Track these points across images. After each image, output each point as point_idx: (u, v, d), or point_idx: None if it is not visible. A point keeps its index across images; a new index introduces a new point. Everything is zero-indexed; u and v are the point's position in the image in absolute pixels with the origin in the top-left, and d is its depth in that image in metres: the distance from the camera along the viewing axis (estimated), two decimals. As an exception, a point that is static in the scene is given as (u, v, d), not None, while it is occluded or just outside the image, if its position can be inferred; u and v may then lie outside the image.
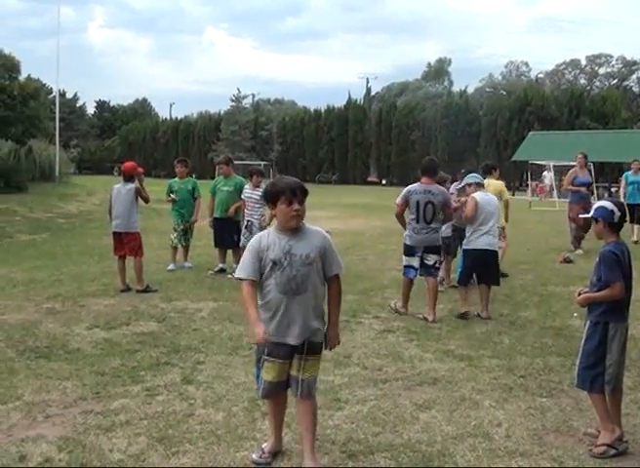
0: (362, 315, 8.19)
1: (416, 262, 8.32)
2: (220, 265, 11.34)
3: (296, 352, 4.06)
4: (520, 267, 12.05)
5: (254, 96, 78.76)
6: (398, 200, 8.44)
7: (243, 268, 4.04)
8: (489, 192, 9.34)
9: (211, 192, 11.53)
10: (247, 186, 11.01)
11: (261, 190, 10.80)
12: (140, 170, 10.41)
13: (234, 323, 7.73)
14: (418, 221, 8.25)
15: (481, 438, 4.64)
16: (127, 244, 9.76)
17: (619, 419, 4.64)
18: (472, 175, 9.15)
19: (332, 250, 4.09)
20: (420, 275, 8.42)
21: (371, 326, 7.75)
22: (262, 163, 48.42)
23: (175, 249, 11.81)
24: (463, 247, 8.79)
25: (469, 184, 8.83)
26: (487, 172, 11.55)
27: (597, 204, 4.81)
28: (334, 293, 4.14)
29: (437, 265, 8.43)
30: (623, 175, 16.75)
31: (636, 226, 15.80)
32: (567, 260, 12.79)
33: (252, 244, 4.08)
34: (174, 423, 4.82)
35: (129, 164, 10.32)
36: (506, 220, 11.22)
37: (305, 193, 4.00)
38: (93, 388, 5.54)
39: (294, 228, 3.99)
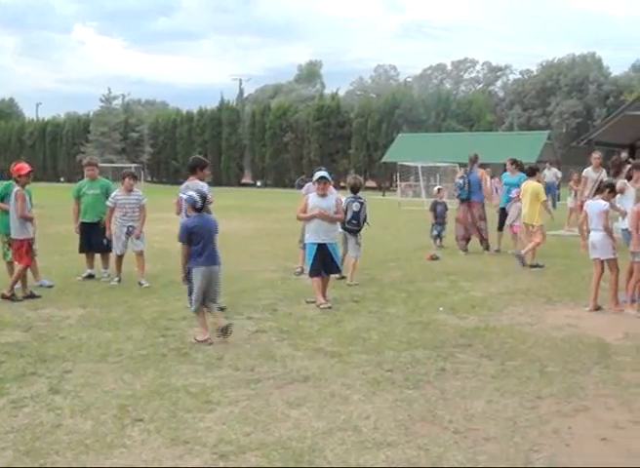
0: (234, 316, 8.19)
1: None
2: (89, 271, 11.03)
3: None
4: (388, 265, 12.41)
5: (124, 96, 76.82)
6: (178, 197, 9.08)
7: None
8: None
9: (74, 196, 11.10)
10: (118, 192, 10.67)
11: (138, 195, 10.69)
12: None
13: (102, 329, 7.57)
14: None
15: (350, 431, 4.77)
16: (16, 250, 9.27)
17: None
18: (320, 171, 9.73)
19: None
20: None
21: (243, 327, 7.77)
22: (133, 165, 47.21)
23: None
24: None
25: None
26: (531, 174, 12.52)
27: (188, 193, 7.44)
28: None
29: None
30: (502, 176, 15.25)
31: (497, 233, 14.43)
32: (433, 258, 13.26)
33: None
34: (41, 435, 4.68)
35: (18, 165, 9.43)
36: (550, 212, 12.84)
37: None
38: (-48, 403, 5.29)
39: None
